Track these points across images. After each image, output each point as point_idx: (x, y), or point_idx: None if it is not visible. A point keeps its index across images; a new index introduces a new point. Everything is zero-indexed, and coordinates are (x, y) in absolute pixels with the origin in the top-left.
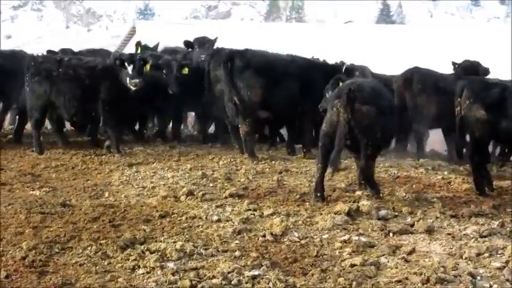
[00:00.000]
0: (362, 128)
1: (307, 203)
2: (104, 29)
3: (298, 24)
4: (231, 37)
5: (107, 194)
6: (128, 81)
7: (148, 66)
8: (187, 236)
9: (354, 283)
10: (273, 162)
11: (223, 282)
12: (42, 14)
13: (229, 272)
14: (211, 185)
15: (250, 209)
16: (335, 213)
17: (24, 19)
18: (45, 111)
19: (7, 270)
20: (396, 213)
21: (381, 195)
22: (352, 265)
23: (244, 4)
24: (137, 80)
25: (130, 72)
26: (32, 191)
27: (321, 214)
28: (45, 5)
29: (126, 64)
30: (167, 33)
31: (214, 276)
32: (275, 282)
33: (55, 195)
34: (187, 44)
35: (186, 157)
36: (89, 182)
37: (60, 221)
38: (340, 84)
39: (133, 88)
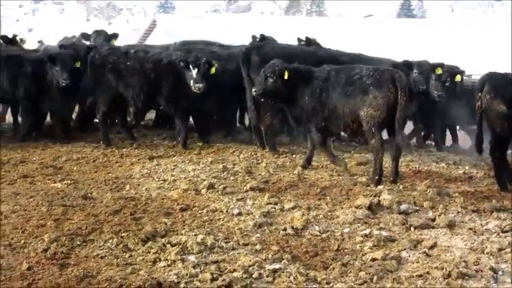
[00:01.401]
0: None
1: (328, 197)
2: (125, 22)
3: (318, 18)
4: (252, 31)
5: (128, 187)
6: (191, 85)
7: (213, 70)
8: (208, 229)
9: (375, 277)
10: (294, 156)
11: (244, 276)
12: (63, 7)
13: (250, 266)
14: (232, 178)
15: (271, 203)
16: (356, 207)
17: (45, 12)
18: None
19: (29, 262)
20: (417, 208)
21: (401, 187)
22: (373, 259)
23: None
24: (201, 85)
25: (194, 76)
26: (54, 183)
27: (342, 208)
28: None
29: (190, 67)
30: (187, 26)
31: (235, 270)
32: (296, 275)
33: (76, 187)
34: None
35: (206, 150)
36: (110, 174)
37: (81, 213)
38: (287, 72)
39: (197, 92)
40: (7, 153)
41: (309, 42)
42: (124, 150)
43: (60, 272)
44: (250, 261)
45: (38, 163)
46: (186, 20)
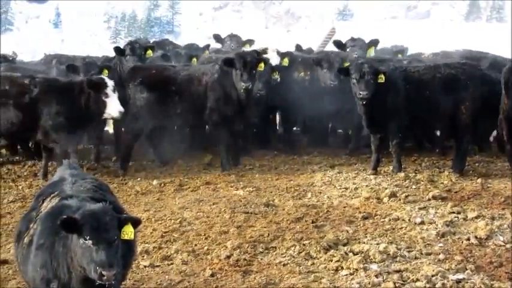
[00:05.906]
0: None
1: None
2: (303, 30)
3: (498, 24)
4: (430, 37)
5: (309, 195)
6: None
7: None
8: (390, 238)
9: None
10: (476, 164)
11: (427, 286)
12: (242, 15)
13: (433, 275)
14: (414, 186)
15: (453, 212)
16: None
17: (224, 20)
18: None
19: (212, 268)
20: None
21: None
22: None
23: (444, 4)
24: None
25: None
26: (236, 190)
27: None
28: (245, 5)
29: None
30: (366, 33)
31: (418, 279)
32: (480, 286)
33: (258, 195)
34: None
35: (387, 159)
36: (292, 182)
37: (263, 220)
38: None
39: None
40: (189, 160)
41: None
42: (305, 158)
43: (243, 279)
44: (433, 270)
45: (220, 170)
46: (364, 27)
